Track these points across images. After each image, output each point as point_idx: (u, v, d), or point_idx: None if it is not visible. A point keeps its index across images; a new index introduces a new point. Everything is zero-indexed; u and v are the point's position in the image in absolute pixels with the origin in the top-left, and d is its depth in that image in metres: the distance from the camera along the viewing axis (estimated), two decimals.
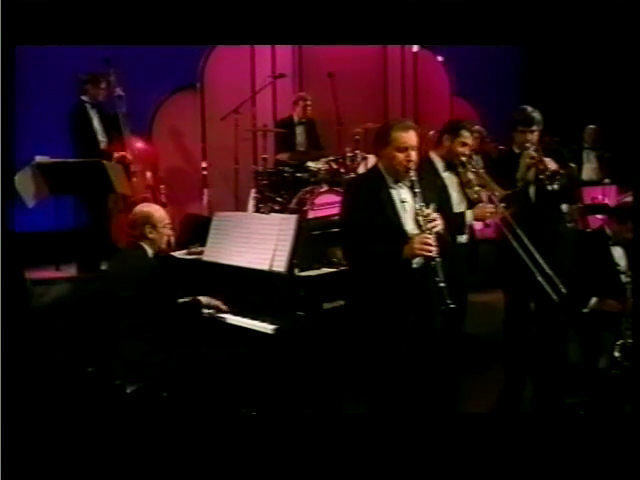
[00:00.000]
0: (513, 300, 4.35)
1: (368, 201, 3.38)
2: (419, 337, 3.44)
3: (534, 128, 4.17)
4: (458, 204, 4.07)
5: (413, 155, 3.37)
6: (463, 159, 4.05)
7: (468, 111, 8.89)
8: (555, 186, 4.03)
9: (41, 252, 5.82)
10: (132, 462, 3.19)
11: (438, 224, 3.35)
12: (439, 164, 4.09)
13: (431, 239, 3.28)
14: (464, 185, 4.05)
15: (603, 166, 7.73)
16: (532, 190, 4.19)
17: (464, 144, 4.06)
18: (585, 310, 4.27)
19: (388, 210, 3.38)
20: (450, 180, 4.06)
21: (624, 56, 4.39)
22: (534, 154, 4.08)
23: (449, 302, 3.26)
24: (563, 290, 3.99)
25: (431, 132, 5.04)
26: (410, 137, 3.38)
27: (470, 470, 3.12)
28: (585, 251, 4.43)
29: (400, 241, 3.34)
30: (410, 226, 3.39)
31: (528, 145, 4.13)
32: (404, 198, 3.41)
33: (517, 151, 4.24)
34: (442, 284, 3.27)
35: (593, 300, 4.26)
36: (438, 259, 3.29)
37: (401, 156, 3.35)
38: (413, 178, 3.35)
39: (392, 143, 3.37)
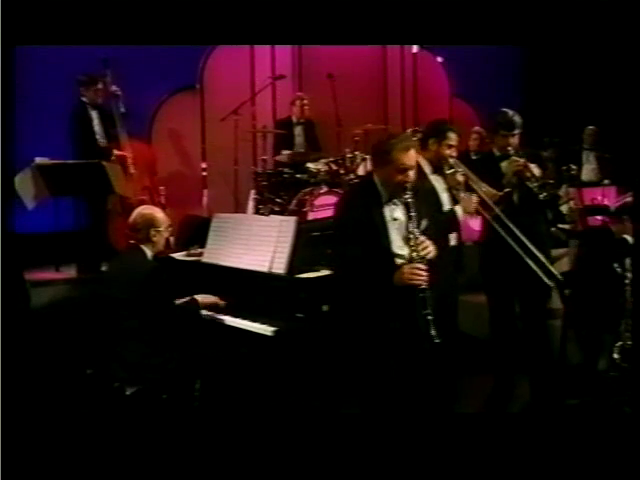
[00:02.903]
0: (496, 303, 4.34)
1: (359, 217, 3.36)
2: (406, 342, 3.40)
3: (515, 132, 4.18)
4: (446, 207, 4.06)
5: (411, 175, 3.35)
6: (451, 161, 4.04)
7: (468, 112, 8.90)
8: (545, 194, 4.04)
9: (41, 253, 5.82)
10: (132, 464, 3.19)
11: (430, 251, 3.30)
12: (426, 167, 4.08)
13: (422, 268, 3.23)
14: (452, 187, 4.04)
15: (603, 167, 7.73)
16: (515, 194, 4.18)
17: (450, 146, 4.06)
18: None
19: (379, 229, 3.35)
20: (438, 183, 4.06)
21: (624, 57, 4.40)
22: (521, 160, 4.09)
23: (434, 335, 3.21)
24: (560, 277, 3.97)
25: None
26: (410, 157, 3.34)
27: (469, 471, 3.12)
28: (590, 249, 4.42)
29: (387, 261, 3.30)
30: (399, 244, 3.36)
31: (510, 149, 4.14)
32: (396, 216, 3.38)
33: (498, 154, 4.25)
34: (429, 317, 3.23)
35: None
36: (428, 291, 3.24)
37: (400, 177, 3.33)
38: (409, 200, 3.31)
39: (392, 164, 3.33)
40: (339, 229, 3.49)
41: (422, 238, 3.29)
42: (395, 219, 3.38)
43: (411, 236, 3.28)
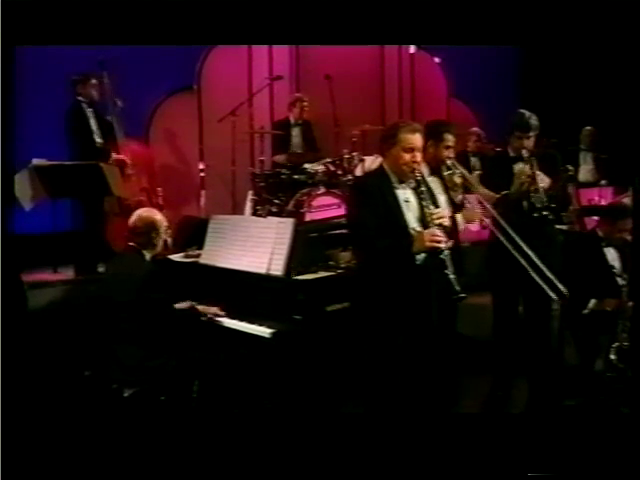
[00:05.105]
0: (501, 302, 4.35)
1: (374, 200, 3.47)
2: (418, 335, 3.48)
3: (531, 134, 4.17)
4: (444, 208, 4.06)
5: (419, 156, 3.50)
6: (449, 162, 4.05)
7: (465, 113, 8.90)
8: (547, 212, 4.04)
9: (38, 254, 5.81)
10: (130, 466, 3.19)
11: (445, 219, 3.45)
12: (424, 169, 4.08)
13: (439, 233, 3.36)
14: (449, 188, 4.04)
15: (600, 167, 7.74)
16: (525, 202, 4.17)
17: (448, 147, 4.07)
18: (585, 312, 4.29)
19: (394, 209, 3.47)
20: (435, 184, 4.05)
21: (622, 57, 4.41)
22: (529, 172, 4.07)
23: (458, 289, 3.34)
24: (561, 287, 3.97)
25: None
26: (417, 139, 3.50)
27: (468, 471, 3.13)
28: (578, 253, 4.44)
29: (406, 238, 3.42)
30: (413, 225, 3.47)
31: (524, 151, 4.13)
32: (407, 198, 3.51)
33: (512, 154, 4.23)
34: (452, 275, 3.36)
35: (592, 302, 4.28)
36: (447, 251, 3.37)
37: (407, 156, 3.47)
38: (419, 177, 3.47)
39: (399, 143, 3.48)
40: (357, 213, 3.57)
41: (438, 210, 3.47)
42: (406, 201, 3.51)
43: (425, 209, 3.44)
